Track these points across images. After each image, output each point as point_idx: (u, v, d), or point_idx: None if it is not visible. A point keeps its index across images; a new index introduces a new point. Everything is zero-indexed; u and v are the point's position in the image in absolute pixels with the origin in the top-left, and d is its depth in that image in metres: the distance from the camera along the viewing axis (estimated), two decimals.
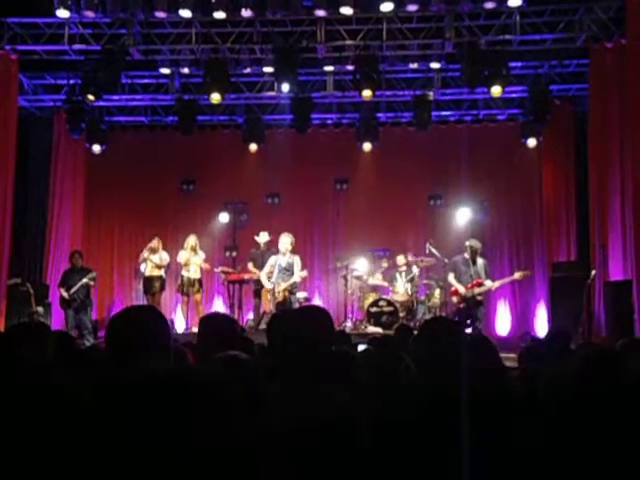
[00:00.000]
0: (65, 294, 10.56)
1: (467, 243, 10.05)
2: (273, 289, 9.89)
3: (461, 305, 9.80)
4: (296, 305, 10.13)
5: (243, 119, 12.95)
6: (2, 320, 10.51)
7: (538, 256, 12.55)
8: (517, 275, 10.28)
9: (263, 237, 11.27)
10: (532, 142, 12.35)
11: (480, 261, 10.03)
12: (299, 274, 10.03)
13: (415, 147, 12.64)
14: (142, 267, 11.36)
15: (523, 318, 12.49)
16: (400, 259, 11.34)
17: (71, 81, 12.13)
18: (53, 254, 12.51)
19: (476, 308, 9.89)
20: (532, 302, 12.47)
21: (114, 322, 2.36)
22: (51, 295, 11.68)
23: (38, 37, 11.11)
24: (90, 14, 10.45)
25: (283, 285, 9.82)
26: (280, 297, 9.80)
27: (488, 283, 9.90)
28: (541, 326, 12.06)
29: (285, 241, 10.04)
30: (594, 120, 10.71)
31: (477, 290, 9.83)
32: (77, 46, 11.09)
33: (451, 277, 10.03)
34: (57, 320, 11.27)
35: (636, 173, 9.44)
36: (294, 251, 10.17)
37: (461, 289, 9.80)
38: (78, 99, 11.78)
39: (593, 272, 10.11)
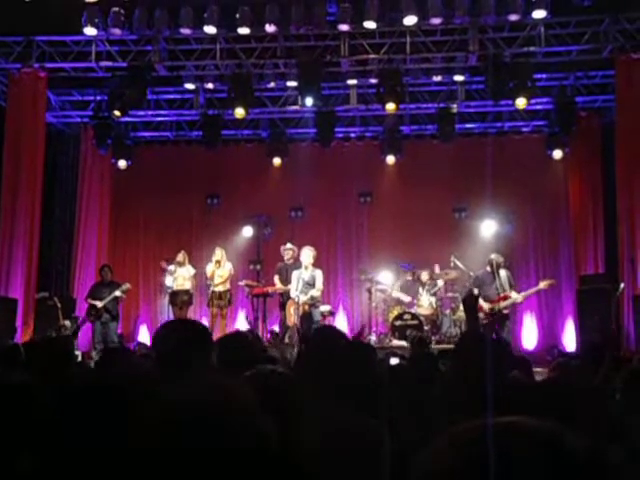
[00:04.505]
0: (99, 303, 10.66)
1: (490, 257, 10.01)
2: (297, 302, 9.88)
3: (486, 321, 9.70)
4: (319, 318, 10.13)
5: (267, 133, 13.02)
6: (30, 333, 10.63)
7: (565, 269, 12.41)
8: (542, 284, 10.17)
9: (288, 247, 11.26)
10: (558, 154, 12.24)
11: (503, 273, 9.95)
12: (318, 288, 10.02)
13: (439, 160, 12.57)
14: (168, 280, 11.40)
15: (550, 332, 12.33)
16: (424, 275, 11.22)
17: (98, 97, 12.30)
18: (80, 268, 12.63)
19: (502, 322, 9.79)
20: (559, 315, 12.32)
21: (161, 333, 2.40)
22: (78, 309, 11.79)
23: (66, 55, 11.30)
24: (117, 32, 10.61)
25: (303, 298, 9.82)
26: (300, 311, 9.79)
27: (514, 295, 9.81)
28: (569, 340, 11.90)
29: (307, 254, 10.03)
30: (621, 131, 10.61)
31: (503, 304, 9.74)
32: (104, 63, 11.26)
33: (476, 293, 9.95)
34: (84, 333, 11.36)
35: None
36: (316, 265, 10.17)
37: (485, 306, 9.74)
38: (105, 115, 11.93)
39: (622, 285, 9.97)
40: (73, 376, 2.93)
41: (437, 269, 11.26)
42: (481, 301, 9.77)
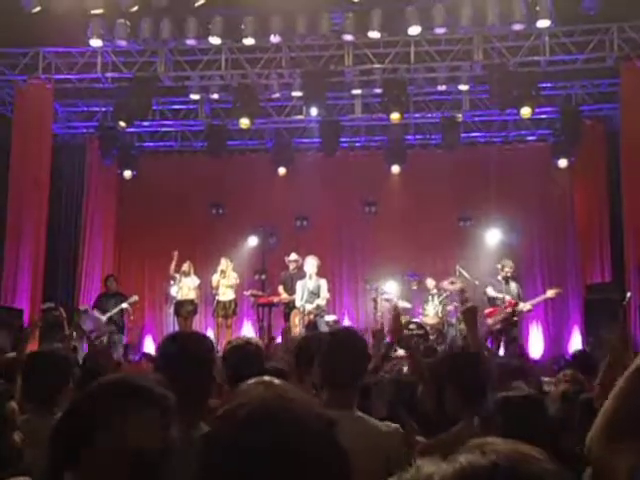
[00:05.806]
0: (103, 318, 10.66)
1: (499, 265, 10.03)
2: (303, 312, 9.87)
3: (495, 327, 9.69)
4: (324, 327, 10.08)
5: (272, 143, 13.04)
6: (36, 344, 10.62)
7: (571, 278, 12.35)
8: (550, 293, 10.16)
9: (293, 258, 11.26)
10: (563, 163, 12.22)
11: (513, 284, 9.98)
12: (324, 297, 10.00)
13: (444, 169, 12.56)
14: (173, 290, 11.41)
15: (557, 341, 12.27)
16: (430, 282, 11.21)
17: (103, 108, 12.37)
18: (85, 278, 12.65)
19: (510, 329, 9.78)
20: (566, 324, 12.25)
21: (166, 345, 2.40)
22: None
23: (72, 66, 11.37)
24: (122, 43, 10.67)
25: (309, 308, 9.81)
26: (306, 320, 9.77)
27: (522, 304, 9.83)
28: (575, 349, 11.82)
29: (311, 264, 10.02)
30: (626, 139, 10.58)
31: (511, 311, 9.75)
32: (109, 74, 11.32)
33: (490, 290, 9.99)
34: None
35: None
36: (319, 274, 10.16)
37: (500, 296, 9.82)
38: (110, 126, 11.99)
39: (628, 294, 9.91)
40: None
41: (444, 283, 11.20)
42: (496, 294, 9.84)
